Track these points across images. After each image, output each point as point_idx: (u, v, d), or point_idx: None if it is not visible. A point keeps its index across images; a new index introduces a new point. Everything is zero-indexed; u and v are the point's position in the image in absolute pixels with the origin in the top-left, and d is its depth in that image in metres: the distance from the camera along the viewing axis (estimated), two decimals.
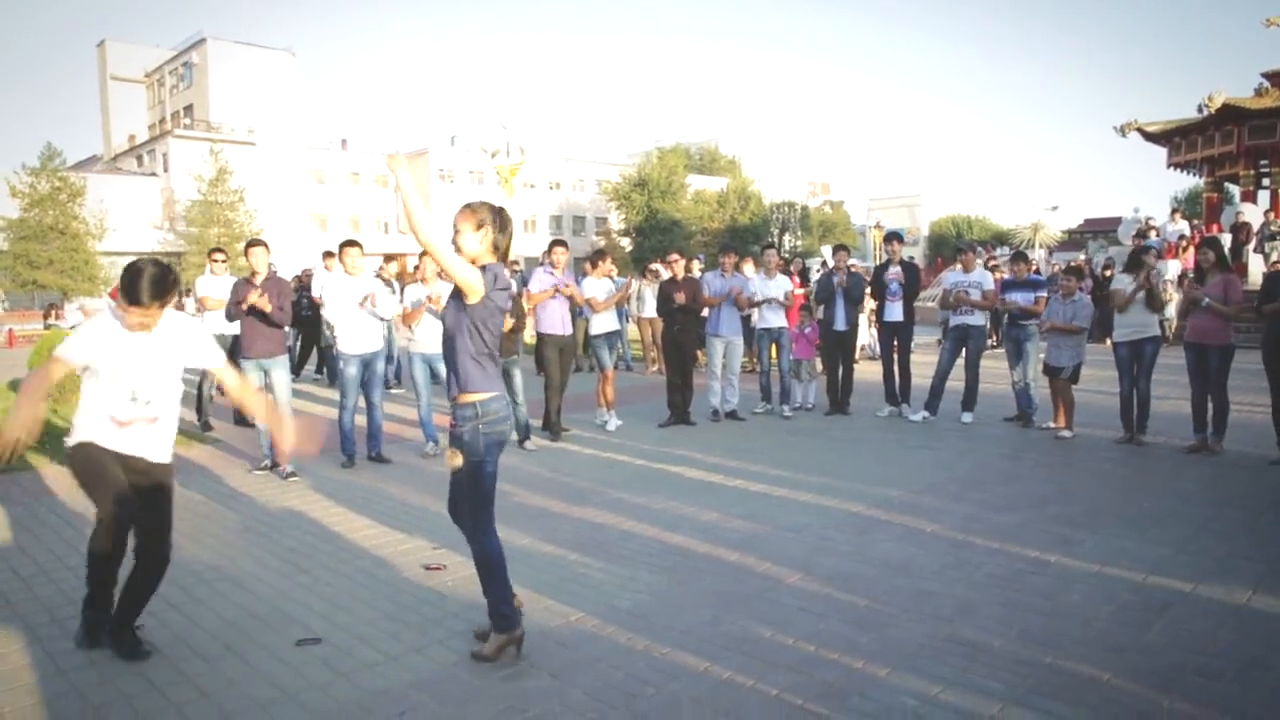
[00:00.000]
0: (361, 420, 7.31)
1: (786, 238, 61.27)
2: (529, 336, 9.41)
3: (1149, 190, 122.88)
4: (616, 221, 57.24)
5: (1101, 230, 41.48)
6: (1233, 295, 6.86)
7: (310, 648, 3.53)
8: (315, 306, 12.69)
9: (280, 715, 2.98)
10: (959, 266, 8.77)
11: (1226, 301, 6.85)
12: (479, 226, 3.28)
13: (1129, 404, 7.50)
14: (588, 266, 8.83)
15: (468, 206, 3.34)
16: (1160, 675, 3.21)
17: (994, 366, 10.54)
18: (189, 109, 50.66)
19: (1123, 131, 25.84)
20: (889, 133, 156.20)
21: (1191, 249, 19.08)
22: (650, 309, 12.08)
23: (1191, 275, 7.70)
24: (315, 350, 13.55)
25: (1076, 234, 43.02)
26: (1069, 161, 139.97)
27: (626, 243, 54.05)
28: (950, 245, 52.18)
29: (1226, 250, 18.69)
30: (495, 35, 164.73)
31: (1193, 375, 7.09)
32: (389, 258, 13.75)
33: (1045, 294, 8.29)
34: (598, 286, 8.62)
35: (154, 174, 47.15)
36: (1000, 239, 43.85)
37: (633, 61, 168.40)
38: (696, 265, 11.73)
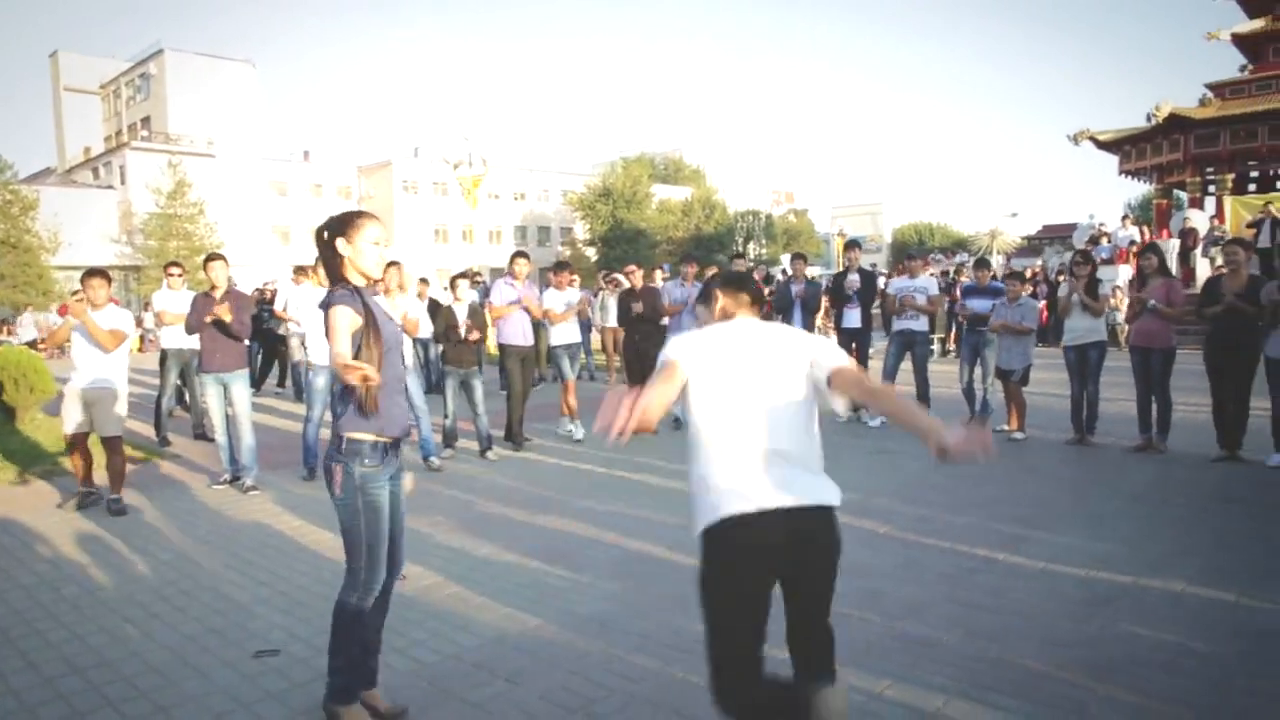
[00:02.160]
0: (325, 433, 7.28)
1: (751, 246, 61.74)
2: (491, 347, 9.44)
3: (1106, 197, 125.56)
4: (582, 231, 57.34)
5: (1059, 236, 42.30)
6: (1175, 299, 7.11)
7: (268, 659, 3.54)
8: (277, 319, 12.63)
9: None
10: (905, 273, 8.98)
11: (1169, 304, 7.09)
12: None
13: (1079, 406, 7.72)
14: (550, 277, 8.89)
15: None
16: (1099, 666, 3.33)
17: (949, 371, 10.75)
18: (146, 121, 49.92)
19: (1075, 140, 26.47)
20: (852, 141, 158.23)
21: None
22: (614, 318, 12.16)
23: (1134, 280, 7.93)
24: (278, 364, 13.47)
25: (1035, 240, 43.90)
26: (1029, 169, 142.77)
27: (592, 252, 54.15)
28: (912, 252, 53.04)
29: (1175, 255, 19.20)
30: (460, 45, 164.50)
31: (1138, 377, 7.32)
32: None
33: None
34: (558, 298, 8.68)
35: (110, 186, 46.34)
36: (960, 245, 44.55)
37: (597, 72, 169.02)
38: (660, 275, 11.84)
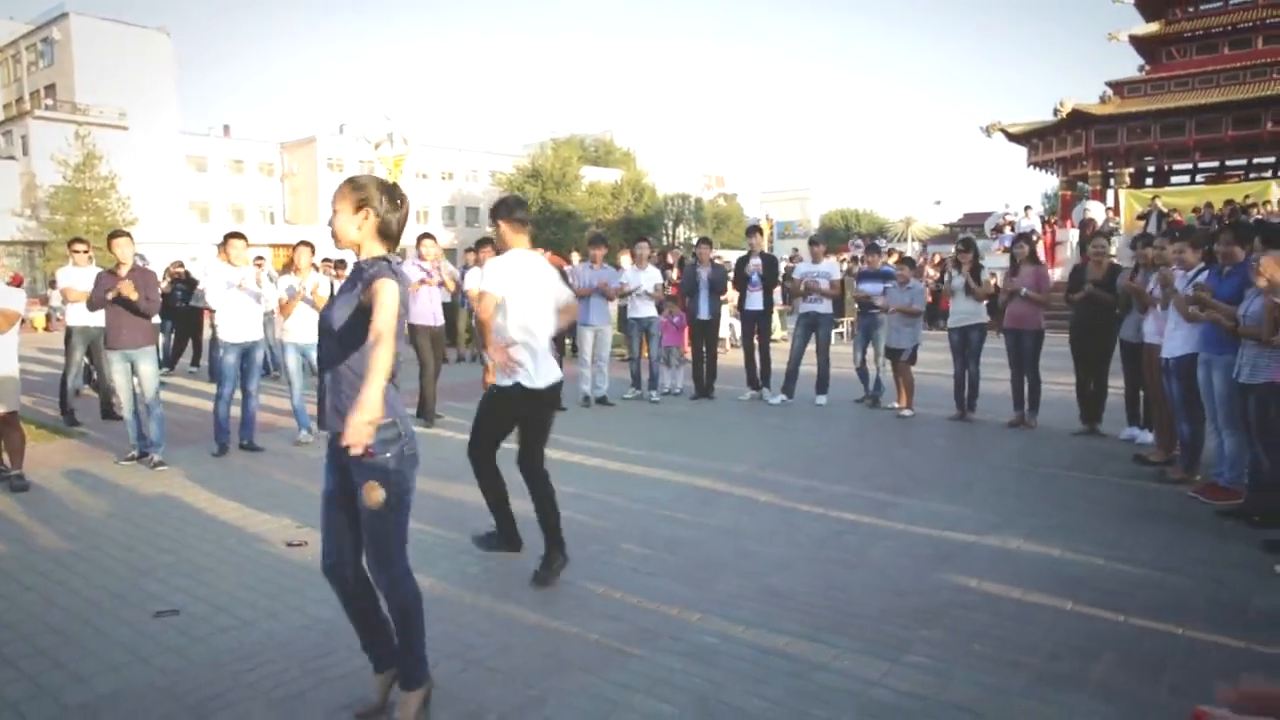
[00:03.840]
0: (236, 410, 7.38)
1: (680, 229, 62.27)
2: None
3: (1026, 188, 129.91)
4: None
5: (976, 224, 43.94)
6: (1043, 285, 7.71)
7: (168, 619, 3.73)
8: (191, 297, 12.50)
9: (131, 676, 3.20)
10: (809, 258, 9.43)
11: (1038, 290, 7.67)
12: (359, 207, 2.74)
13: (961, 384, 8.29)
14: (469, 258, 9.05)
15: (349, 182, 2.81)
16: (928, 611, 3.76)
17: (846, 352, 11.30)
18: (50, 89, 47.60)
19: (988, 132, 27.56)
20: (782, 127, 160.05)
21: (1040, 243, 20.62)
22: None
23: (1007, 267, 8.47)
24: (192, 343, 13.33)
25: (956, 227, 45.51)
26: (954, 158, 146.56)
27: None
28: (839, 237, 54.26)
29: (1075, 243, 20.19)
30: (389, 21, 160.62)
31: (1011, 358, 7.90)
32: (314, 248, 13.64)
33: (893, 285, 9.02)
34: (478, 276, 8.86)
35: (12, 157, 44.24)
36: (881, 231, 45.78)
37: (528, 52, 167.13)
38: (575, 257, 12.08)
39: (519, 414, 4.25)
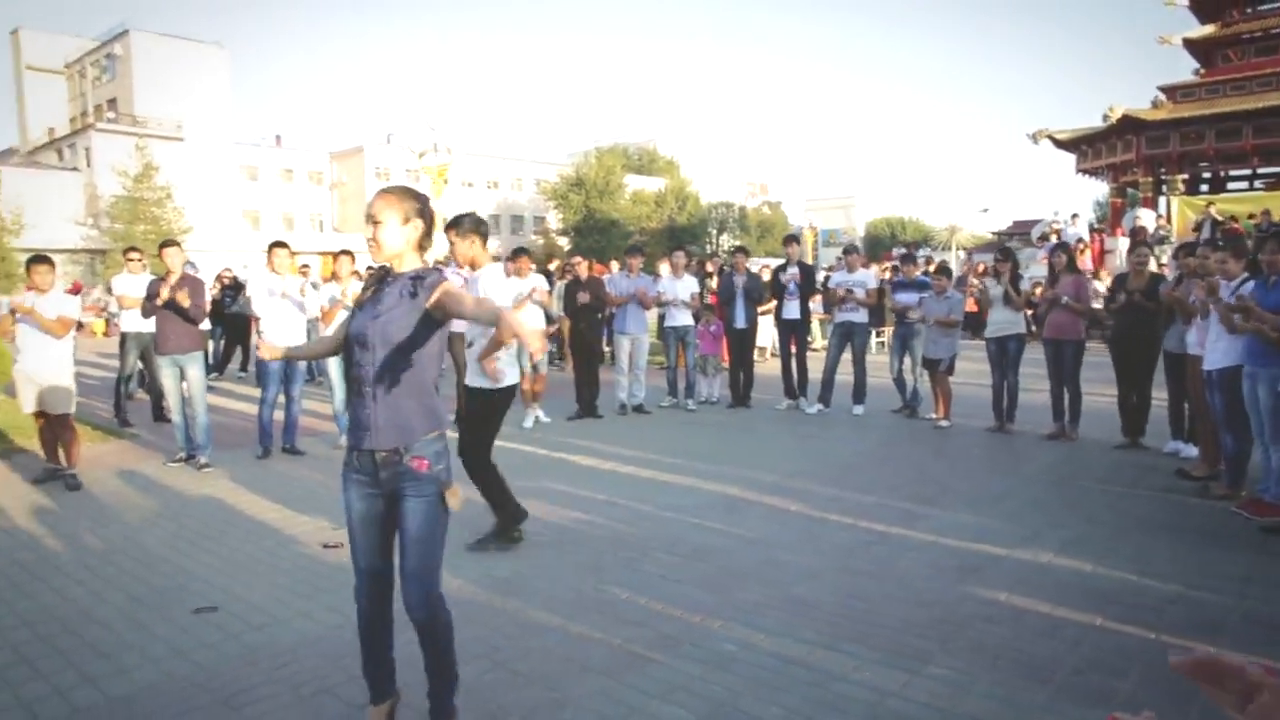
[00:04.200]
0: (279, 414, 7.59)
1: (724, 238, 62.20)
2: None
3: (1076, 194, 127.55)
4: (555, 221, 57.49)
5: (1024, 232, 43.26)
6: (1082, 294, 7.58)
7: (207, 615, 3.87)
8: (240, 303, 12.85)
9: (170, 668, 3.33)
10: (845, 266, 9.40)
11: (1078, 300, 7.56)
12: (408, 219, 2.70)
13: (999, 395, 8.18)
14: (509, 267, 9.17)
15: (395, 194, 2.73)
16: (951, 623, 3.74)
17: (884, 361, 11.22)
18: (112, 102, 49.28)
19: (1035, 139, 27.10)
20: (828, 135, 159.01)
21: (1088, 251, 20.24)
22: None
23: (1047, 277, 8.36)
24: (241, 349, 13.68)
25: (1004, 235, 44.83)
26: (1003, 165, 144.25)
27: (565, 242, 54.34)
28: (884, 245, 53.76)
29: (1124, 252, 19.76)
30: (436, 32, 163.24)
31: (1050, 368, 7.78)
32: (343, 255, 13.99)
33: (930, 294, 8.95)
34: (512, 286, 8.98)
35: (76, 169, 45.87)
36: (926, 239, 45.27)
37: (574, 62, 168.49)
38: (614, 266, 12.18)
39: (502, 409, 4.83)
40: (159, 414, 9.18)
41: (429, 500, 2.66)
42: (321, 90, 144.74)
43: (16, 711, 3.05)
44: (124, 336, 9.31)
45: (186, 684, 3.22)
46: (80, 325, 7.26)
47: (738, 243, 60.27)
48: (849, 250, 9.52)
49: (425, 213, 2.74)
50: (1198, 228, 18.98)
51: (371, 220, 2.69)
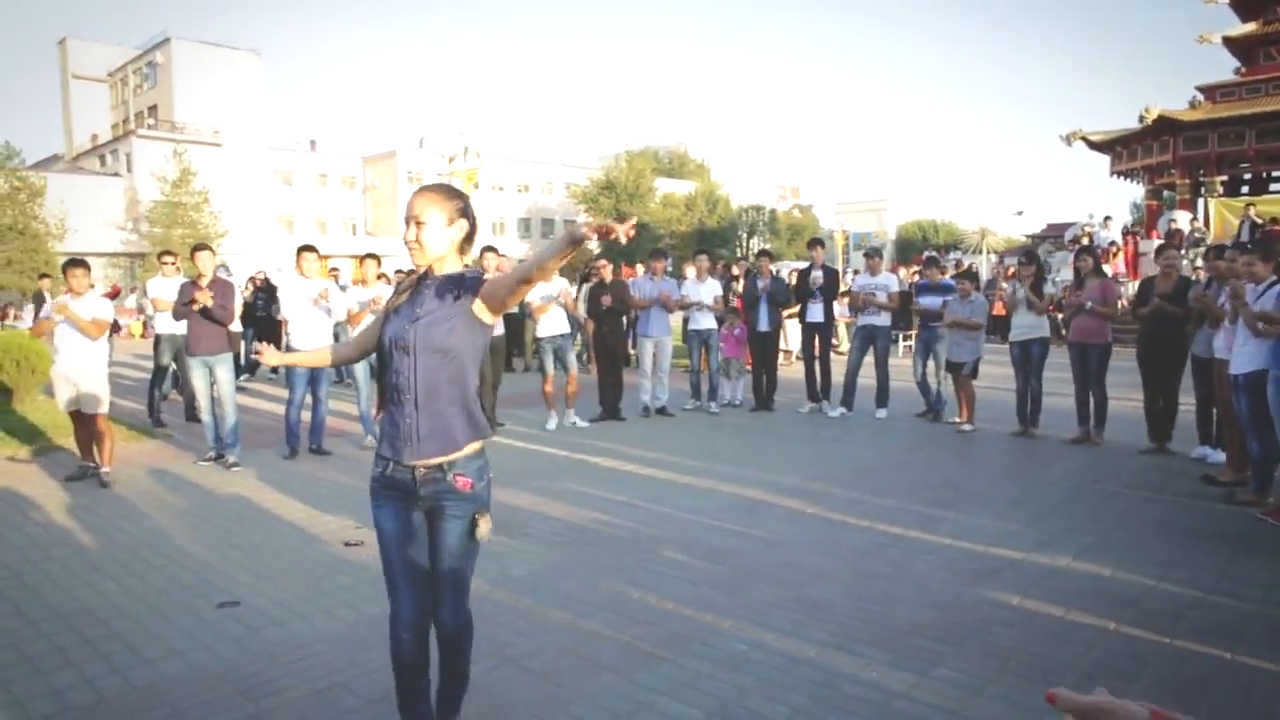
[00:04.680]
0: (306, 415, 7.73)
1: (755, 241, 62.03)
2: None
3: (1111, 197, 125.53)
4: None
5: (1058, 235, 42.69)
6: (1109, 298, 7.50)
7: (230, 609, 3.97)
8: (272, 306, 13.08)
9: (194, 661, 3.43)
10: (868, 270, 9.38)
11: (1105, 304, 7.48)
12: (451, 220, 2.53)
13: (1023, 399, 8.11)
14: None
15: (434, 190, 2.57)
16: (964, 626, 3.74)
17: (907, 365, 11.15)
18: (153, 109, 50.31)
19: (1068, 140, 26.76)
20: (859, 138, 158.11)
21: (1120, 254, 19.94)
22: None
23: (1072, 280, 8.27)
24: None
25: (1037, 239, 44.26)
26: (1037, 167, 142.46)
27: (594, 245, 54.43)
28: (915, 248, 53.28)
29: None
30: (466, 36, 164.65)
31: (1075, 372, 7.70)
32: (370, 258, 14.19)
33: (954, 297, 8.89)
34: (536, 289, 9.07)
35: (117, 174, 46.84)
36: (957, 243, 44.82)
37: (603, 65, 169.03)
38: (640, 269, 12.23)
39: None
40: (192, 414, 9.38)
41: (468, 521, 2.56)
42: (355, 96, 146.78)
43: (49, 699, 3.16)
44: (158, 338, 9.54)
45: (208, 675, 3.32)
46: (117, 327, 7.47)
47: (766, 246, 60.24)
48: (870, 254, 9.50)
49: (469, 213, 2.56)
50: (1239, 230, 18.62)
51: (414, 221, 2.48)
